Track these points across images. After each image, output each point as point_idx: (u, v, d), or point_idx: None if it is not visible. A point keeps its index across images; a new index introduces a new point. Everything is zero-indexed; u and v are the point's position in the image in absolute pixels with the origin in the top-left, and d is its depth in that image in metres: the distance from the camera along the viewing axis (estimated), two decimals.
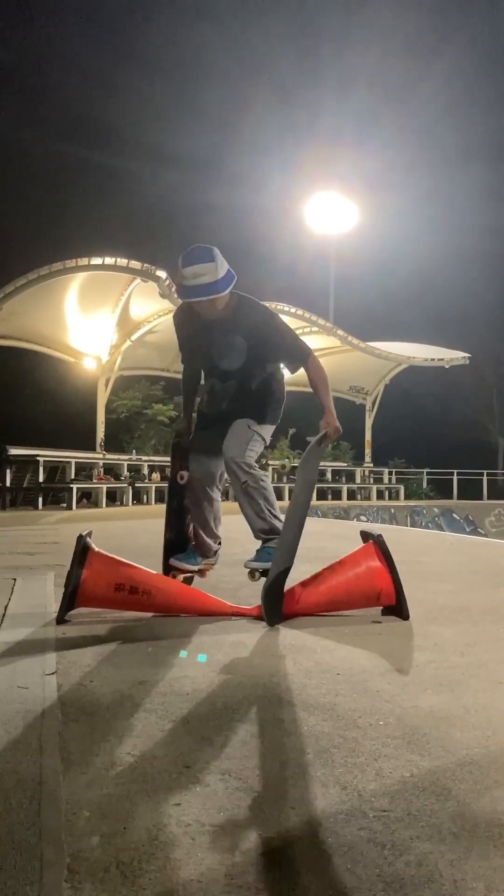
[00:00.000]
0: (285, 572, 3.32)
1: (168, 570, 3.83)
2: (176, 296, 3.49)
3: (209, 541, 3.83)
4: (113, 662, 2.66)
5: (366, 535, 3.65)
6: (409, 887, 1.23)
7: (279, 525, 3.57)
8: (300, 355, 3.66)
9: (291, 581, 3.64)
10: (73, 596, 3.32)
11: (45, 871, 1.26)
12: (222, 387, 3.71)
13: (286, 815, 1.49)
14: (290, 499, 3.71)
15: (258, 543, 3.65)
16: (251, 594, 3.97)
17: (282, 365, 3.81)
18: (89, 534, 3.49)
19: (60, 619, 3.30)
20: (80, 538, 3.38)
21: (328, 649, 2.87)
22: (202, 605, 3.45)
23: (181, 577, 3.81)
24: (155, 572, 3.51)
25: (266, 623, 3.26)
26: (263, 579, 3.45)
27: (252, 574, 3.62)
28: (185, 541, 3.90)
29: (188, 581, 3.89)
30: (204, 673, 2.50)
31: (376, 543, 3.51)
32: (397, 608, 3.44)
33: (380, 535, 3.53)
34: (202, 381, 3.89)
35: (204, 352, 3.69)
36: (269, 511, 3.60)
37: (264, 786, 1.62)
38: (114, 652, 2.82)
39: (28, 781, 1.64)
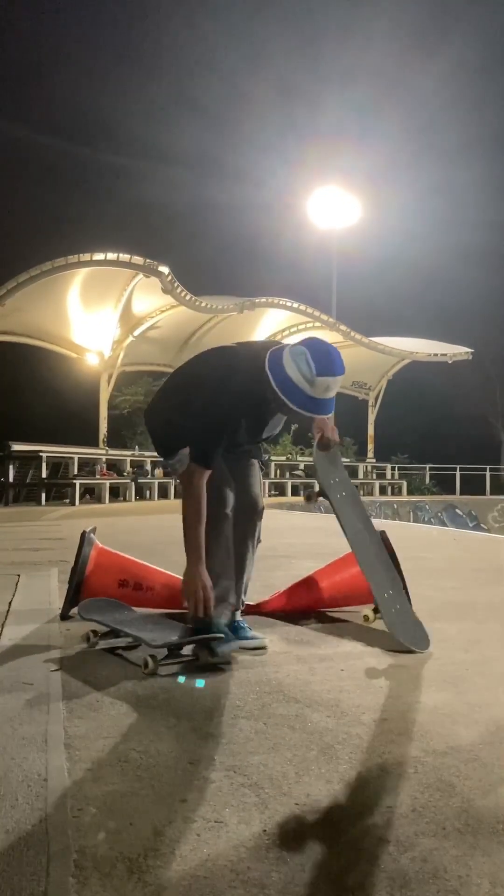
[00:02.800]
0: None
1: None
2: (285, 399, 2.60)
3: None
4: (117, 659, 2.67)
5: None
6: (414, 883, 1.24)
7: None
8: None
9: (294, 577, 3.66)
10: (76, 592, 3.33)
11: (51, 867, 1.27)
12: (250, 444, 2.98)
13: (291, 811, 1.49)
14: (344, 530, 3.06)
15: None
16: (254, 587, 3.97)
17: None
18: (93, 530, 3.50)
19: (64, 615, 3.31)
20: (84, 534, 3.39)
21: (331, 645, 2.88)
22: None
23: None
24: (158, 568, 3.50)
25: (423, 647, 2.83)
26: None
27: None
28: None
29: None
30: (208, 669, 2.50)
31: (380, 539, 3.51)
32: None
33: (383, 532, 3.52)
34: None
35: (254, 426, 2.89)
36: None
37: (269, 782, 1.63)
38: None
39: (34, 777, 1.64)
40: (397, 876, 1.26)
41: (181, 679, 2.25)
